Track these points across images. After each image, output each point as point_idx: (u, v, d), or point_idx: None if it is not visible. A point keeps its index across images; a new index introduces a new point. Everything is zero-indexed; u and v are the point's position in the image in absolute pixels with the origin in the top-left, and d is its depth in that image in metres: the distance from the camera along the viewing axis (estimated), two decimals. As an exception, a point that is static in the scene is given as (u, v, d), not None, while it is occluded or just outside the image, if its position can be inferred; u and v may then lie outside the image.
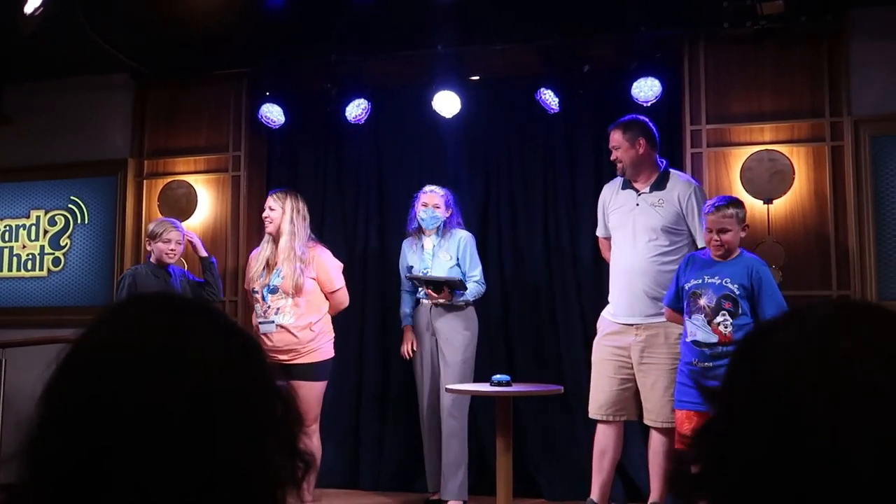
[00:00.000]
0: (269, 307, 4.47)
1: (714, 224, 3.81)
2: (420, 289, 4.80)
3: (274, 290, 4.46)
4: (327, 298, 4.58)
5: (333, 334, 4.60)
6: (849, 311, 0.85)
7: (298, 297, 4.42)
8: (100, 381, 0.81)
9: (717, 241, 3.81)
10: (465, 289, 4.66)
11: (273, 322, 4.43)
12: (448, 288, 4.64)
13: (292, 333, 4.41)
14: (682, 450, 0.87)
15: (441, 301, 4.68)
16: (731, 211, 3.80)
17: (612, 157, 4.28)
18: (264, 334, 4.41)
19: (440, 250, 4.77)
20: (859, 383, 0.76)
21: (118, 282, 4.81)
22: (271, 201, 4.59)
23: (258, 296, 4.53)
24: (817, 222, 4.59)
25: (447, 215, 4.80)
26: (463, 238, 4.79)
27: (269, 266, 4.52)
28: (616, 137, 4.25)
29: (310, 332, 4.44)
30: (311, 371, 4.40)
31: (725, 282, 3.77)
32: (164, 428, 0.78)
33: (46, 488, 0.79)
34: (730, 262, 3.83)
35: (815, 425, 0.75)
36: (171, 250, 4.63)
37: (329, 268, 4.56)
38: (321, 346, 4.49)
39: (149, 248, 4.69)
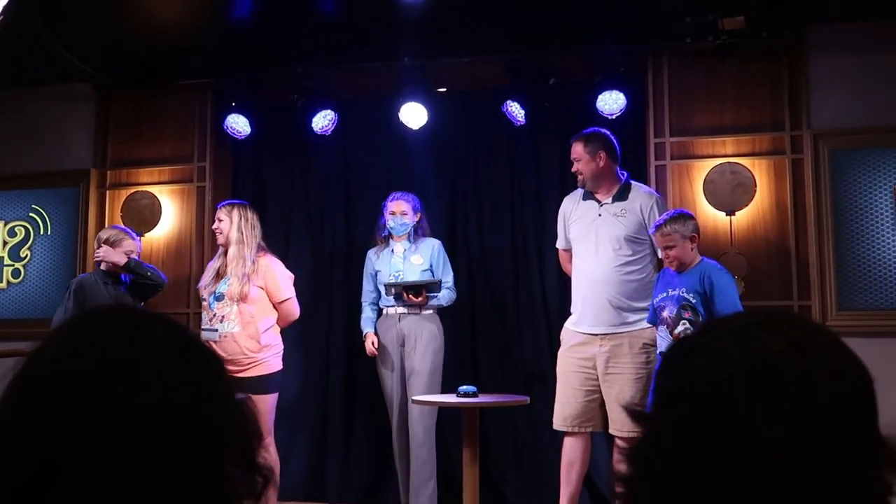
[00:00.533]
0: (214, 315, 4.43)
1: (659, 242, 3.95)
2: (387, 297, 4.78)
3: (220, 298, 4.43)
4: (276, 309, 4.53)
5: (282, 347, 4.54)
6: (769, 316, 0.86)
7: (243, 303, 4.39)
8: (54, 392, 0.80)
9: (667, 257, 3.92)
10: (440, 290, 4.68)
11: (216, 330, 4.38)
12: (426, 290, 4.66)
13: (237, 342, 4.35)
14: (623, 468, 0.87)
15: (417, 303, 4.68)
16: (668, 228, 3.89)
17: (574, 169, 4.32)
18: (205, 342, 4.32)
19: (412, 254, 4.80)
20: (791, 378, 0.77)
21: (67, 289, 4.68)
22: (220, 213, 4.60)
23: (206, 303, 4.51)
24: (778, 234, 4.67)
25: (416, 220, 4.82)
26: (436, 245, 4.85)
27: (219, 275, 4.50)
28: (577, 150, 4.28)
29: (256, 343, 4.38)
30: (259, 384, 4.33)
31: (682, 292, 3.87)
32: (118, 440, 0.78)
33: (1, 500, 0.79)
34: (688, 272, 3.92)
35: (749, 423, 0.76)
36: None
37: (278, 277, 4.51)
38: (267, 357, 4.42)
39: None
